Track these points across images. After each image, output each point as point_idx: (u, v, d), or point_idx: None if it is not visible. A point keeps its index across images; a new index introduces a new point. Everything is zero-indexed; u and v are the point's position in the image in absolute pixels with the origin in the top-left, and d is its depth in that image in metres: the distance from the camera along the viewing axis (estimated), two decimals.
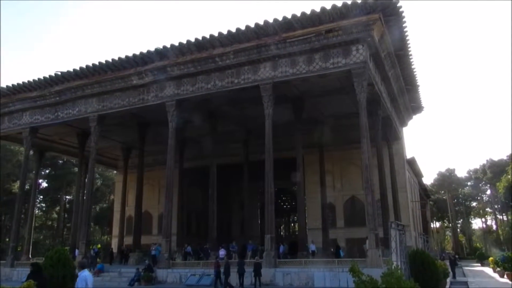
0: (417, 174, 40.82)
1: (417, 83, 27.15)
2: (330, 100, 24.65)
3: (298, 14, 18.93)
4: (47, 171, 58.01)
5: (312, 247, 26.01)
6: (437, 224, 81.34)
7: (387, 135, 28.14)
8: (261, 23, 19.62)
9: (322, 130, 28.90)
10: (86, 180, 30.67)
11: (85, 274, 8.23)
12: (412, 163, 35.15)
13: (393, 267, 8.31)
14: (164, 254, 21.84)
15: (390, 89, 24.81)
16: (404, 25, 19.71)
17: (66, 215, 59.51)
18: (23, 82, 27.22)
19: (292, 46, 19.73)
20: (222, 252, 23.24)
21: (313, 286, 17.89)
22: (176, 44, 21.77)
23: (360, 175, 23.20)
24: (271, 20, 19.43)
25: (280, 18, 19.24)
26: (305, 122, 25.48)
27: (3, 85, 27.96)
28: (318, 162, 30.03)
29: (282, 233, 57.99)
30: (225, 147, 31.21)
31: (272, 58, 20.42)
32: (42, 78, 26.46)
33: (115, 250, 34.00)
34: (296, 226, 51.22)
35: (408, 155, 34.35)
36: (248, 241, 27.56)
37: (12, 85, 27.59)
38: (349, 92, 20.76)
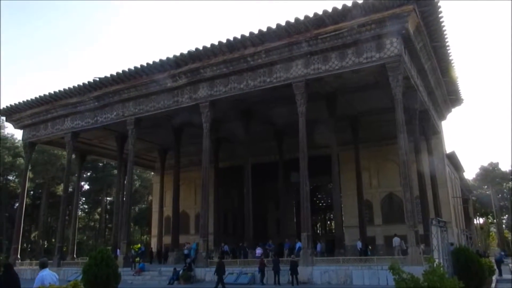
0: (458, 169, 39.42)
1: (456, 75, 26.23)
2: (364, 95, 24.24)
3: (330, 10, 18.72)
4: (89, 174, 60.22)
5: (359, 244, 25.72)
6: (481, 221, 78.29)
7: (425, 130, 27.36)
8: (292, 20, 19.55)
9: (357, 127, 28.52)
10: (125, 181, 31.57)
11: (43, 274, 7.63)
12: (452, 157, 33.98)
13: (435, 265, 8.08)
14: (202, 253, 22.17)
15: (427, 82, 24.11)
16: (440, 15, 19.10)
17: (107, 216, 61.59)
18: (63, 89, 28.37)
19: (324, 42, 19.55)
20: (259, 251, 23.36)
21: (352, 284, 17.70)
22: (208, 45, 22.06)
23: (397, 171, 22.67)
24: (302, 17, 19.31)
25: (311, 15, 19.09)
26: (339, 119, 25.20)
27: (46, 92, 29.24)
28: (354, 159, 29.56)
29: (318, 231, 57.49)
30: (259, 146, 31.30)
31: (304, 56, 20.31)
32: (81, 84, 27.48)
33: (154, 249, 34.87)
34: (333, 224, 50.68)
35: (448, 149, 33.27)
36: (284, 239, 27.58)
37: (54, 92, 28.83)
38: (384, 86, 20.32)
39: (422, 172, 25.28)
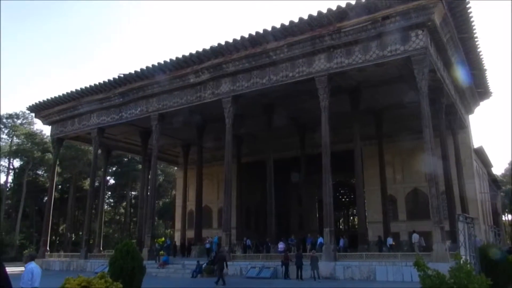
0: (486, 164, 38.36)
1: (484, 67, 25.46)
2: (388, 89, 23.84)
3: (353, 2, 18.45)
4: (114, 169, 61.43)
5: (389, 241, 25.43)
6: (510, 217, 76.08)
7: (452, 124, 26.75)
8: (315, 14, 19.36)
9: (380, 121, 28.11)
10: (149, 176, 32.06)
11: (31, 266, 8.01)
12: (480, 152, 33.08)
13: (461, 262, 7.89)
14: (224, 247, 22.38)
15: (454, 75, 23.52)
16: (468, 5, 18.58)
17: (132, 210, 62.77)
18: (90, 86, 28.99)
19: (347, 35, 19.31)
20: (281, 246, 23.40)
21: (375, 280, 17.53)
22: (231, 41, 22.12)
23: (422, 166, 22.27)
24: (325, 11, 19.12)
25: (334, 8, 18.87)
26: (362, 113, 24.90)
27: (72, 89, 29.93)
28: (377, 154, 29.17)
29: (341, 226, 57.16)
30: (282, 141, 31.26)
31: (327, 49, 20.12)
32: (106, 81, 28.02)
33: (178, 243, 35.38)
34: (356, 219, 50.26)
35: (476, 144, 32.43)
36: (306, 234, 27.51)
37: (80, 88, 29.50)
38: (409, 80, 19.97)
39: (448, 167, 24.75)
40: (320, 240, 22.49)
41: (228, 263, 21.68)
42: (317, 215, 45.35)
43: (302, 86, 21.64)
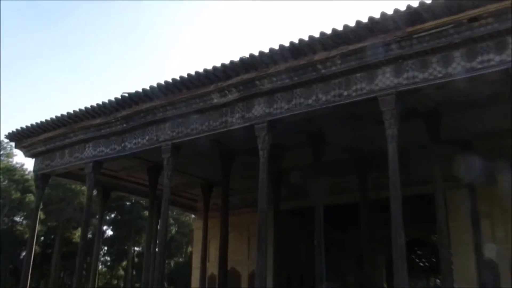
0: None
1: None
2: (479, 112, 23.64)
3: (429, 2, 18.70)
4: (113, 216, 63.22)
5: None
6: None
7: None
8: (377, 16, 19.77)
9: (469, 155, 27.70)
10: (158, 227, 32.66)
11: None
12: None
13: None
14: None
15: None
16: None
17: (134, 272, 63.74)
18: (85, 108, 30.09)
19: (421, 42, 19.54)
20: None
21: None
22: (266, 50, 22.73)
23: None
24: (390, 12, 19.53)
25: (402, 8, 19.26)
26: (444, 145, 24.71)
27: (64, 112, 31.27)
28: (468, 200, 28.63)
29: None
30: (334, 181, 31.22)
31: (394, 61, 20.34)
32: (107, 101, 29.02)
33: None
34: None
35: None
36: None
37: (74, 111, 30.49)
38: (509, 100, 19.86)
39: None
40: None
41: None
42: (385, 284, 44.42)
43: (361, 109, 21.88)
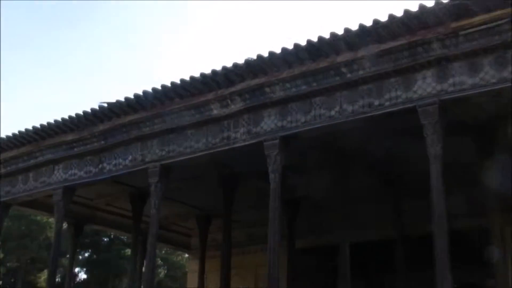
0: None
1: None
2: None
3: None
4: (87, 255, 62.84)
5: None
6: None
7: None
8: (415, 10, 19.73)
9: None
10: (143, 268, 32.46)
11: None
12: None
13: None
14: None
15: None
16: None
17: None
18: (55, 121, 29.83)
19: (469, 41, 19.45)
20: None
21: None
22: (278, 51, 22.66)
23: None
24: (430, 4, 19.50)
25: (445, 0, 19.25)
26: (501, 166, 24.60)
27: (29, 126, 31.14)
28: None
29: None
30: (363, 212, 30.96)
31: (435, 62, 20.24)
32: (81, 113, 28.80)
33: None
34: None
35: None
36: None
37: (41, 125, 30.18)
38: None
39: None
40: None
41: None
42: None
43: (396, 121, 21.73)
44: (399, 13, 20.11)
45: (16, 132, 31.68)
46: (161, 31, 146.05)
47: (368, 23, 20.84)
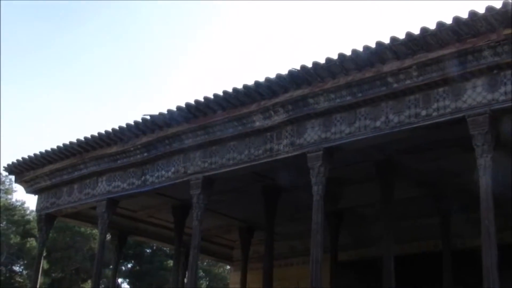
0: None
1: None
2: None
3: None
4: (130, 266, 63.09)
5: None
6: None
7: None
8: (464, 17, 19.16)
9: None
10: (185, 280, 32.36)
11: None
12: None
13: None
14: None
15: None
16: None
17: None
18: (99, 134, 30.13)
19: None
20: None
21: None
22: (322, 61, 22.35)
23: None
24: (481, 11, 18.88)
25: (498, 6, 18.61)
26: None
27: (73, 139, 31.40)
28: None
29: None
30: (408, 225, 30.39)
31: (487, 72, 19.64)
32: (124, 126, 28.97)
33: None
34: None
35: None
36: None
37: (85, 138, 30.49)
38: None
39: None
40: None
41: None
42: None
43: (445, 132, 21.18)
44: (448, 21, 19.60)
45: (61, 145, 31.99)
46: (206, 39, 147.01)
47: (416, 31, 20.43)
